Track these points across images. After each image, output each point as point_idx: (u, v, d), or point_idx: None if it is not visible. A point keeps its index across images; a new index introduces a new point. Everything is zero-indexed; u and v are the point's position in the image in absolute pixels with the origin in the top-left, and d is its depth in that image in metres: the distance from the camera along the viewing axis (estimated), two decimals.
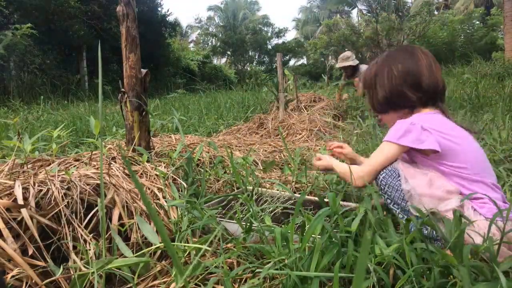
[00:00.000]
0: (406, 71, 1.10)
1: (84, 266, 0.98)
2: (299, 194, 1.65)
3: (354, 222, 0.92)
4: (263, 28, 26.44)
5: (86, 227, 1.14)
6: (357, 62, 4.64)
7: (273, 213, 1.37)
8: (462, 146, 1.01)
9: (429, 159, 1.04)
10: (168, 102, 6.79)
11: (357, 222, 0.92)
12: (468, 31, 14.09)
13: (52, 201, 1.12)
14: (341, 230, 0.93)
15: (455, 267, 0.77)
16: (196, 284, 0.95)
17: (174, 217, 1.28)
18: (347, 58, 4.68)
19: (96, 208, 1.18)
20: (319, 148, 2.71)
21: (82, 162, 1.54)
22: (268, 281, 0.91)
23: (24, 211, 1.03)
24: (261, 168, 2.21)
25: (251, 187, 1.56)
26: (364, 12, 23.29)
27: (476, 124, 2.63)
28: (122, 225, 1.18)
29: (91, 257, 1.02)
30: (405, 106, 1.13)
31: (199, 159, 1.99)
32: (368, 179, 1.10)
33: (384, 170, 1.08)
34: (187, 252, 1.09)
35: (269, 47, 25.53)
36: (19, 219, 1.03)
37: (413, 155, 1.10)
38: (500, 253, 0.84)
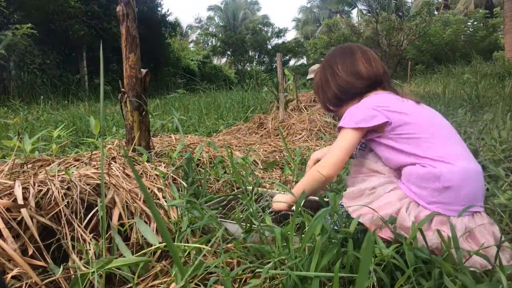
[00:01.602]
0: (346, 68, 1.18)
1: (84, 266, 0.98)
2: None
3: (352, 223, 0.92)
4: (263, 28, 26.45)
5: (86, 227, 1.14)
6: None
7: (273, 213, 1.37)
8: (412, 115, 1.04)
9: (384, 136, 1.06)
10: (168, 102, 6.79)
11: (355, 223, 0.92)
12: (469, 31, 14.08)
13: (52, 201, 1.12)
14: (341, 230, 0.93)
15: (451, 275, 0.77)
16: (196, 284, 0.95)
17: (174, 217, 1.28)
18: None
19: (96, 208, 1.18)
20: (319, 148, 2.71)
21: (82, 162, 1.54)
22: (268, 281, 0.91)
23: (24, 211, 1.03)
24: (261, 168, 2.22)
25: (251, 187, 1.56)
26: (364, 12, 23.30)
27: (476, 124, 2.63)
28: (122, 225, 1.18)
29: (91, 257, 1.02)
30: (355, 95, 1.18)
31: (199, 159, 1.99)
32: (335, 166, 1.07)
33: None
34: (187, 252, 1.09)
35: (269, 47, 25.53)
36: (19, 219, 1.03)
37: (369, 141, 1.12)
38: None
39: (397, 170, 1.07)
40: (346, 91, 1.19)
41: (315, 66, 5.80)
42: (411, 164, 1.00)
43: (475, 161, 1.01)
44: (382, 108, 1.05)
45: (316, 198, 1.38)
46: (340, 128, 1.10)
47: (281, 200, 1.27)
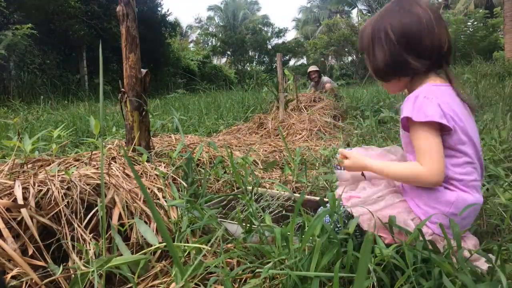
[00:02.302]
0: (405, 33, 0.95)
1: (84, 266, 0.98)
2: (299, 194, 1.65)
3: (352, 223, 0.92)
4: (263, 28, 26.45)
5: (86, 227, 1.14)
6: (319, 69, 6.57)
7: (273, 213, 1.38)
8: (463, 126, 0.93)
9: None
10: (168, 102, 6.79)
11: (354, 224, 0.91)
12: (469, 31, 14.08)
13: (52, 201, 1.12)
14: (341, 231, 0.93)
15: (451, 275, 0.77)
16: (196, 284, 0.95)
17: (174, 217, 1.28)
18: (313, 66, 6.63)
19: (96, 208, 1.18)
20: (319, 148, 2.71)
21: (82, 162, 1.54)
22: (268, 281, 0.91)
23: (24, 211, 1.03)
24: (261, 168, 2.22)
25: (251, 187, 1.56)
26: (364, 12, 23.31)
27: (476, 124, 2.63)
28: (122, 225, 1.18)
29: (91, 257, 1.02)
30: (409, 74, 1.00)
31: (199, 159, 1.99)
32: (442, 172, 0.90)
33: None
34: (187, 252, 1.09)
35: (269, 47, 25.53)
36: (19, 219, 1.03)
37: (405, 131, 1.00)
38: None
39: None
40: (399, 67, 0.98)
41: (313, 67, 6.42)
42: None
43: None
44: (447, 110, 0.90)
45: (316, 198, 1.38)
46: (407, 122, 0.93)
47: (352, 163, 1.05)
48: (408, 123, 0.94)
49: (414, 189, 0.97)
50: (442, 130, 0.91)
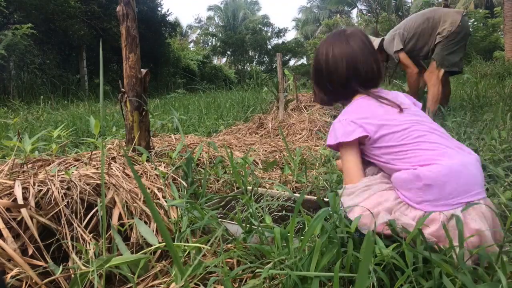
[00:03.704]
0: (341, 58, 1.14)
1: (84, 265, 0.98)
2: (299, 194, 1.65)
3: (353, 223, 0.92)
4: (263, 28, 26.45)
5: (86, 227, 1.14)
6: None
7: (273, 213, 1.38)
8: (390, 125, 1.04)
9: (366, 148, 1.10)
10: (168, 102, 6.79)
11: (356, 223, 0.91)
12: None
13: (52, 201, 1.12)
14: (341, 230, 0.93)
15: (451, 275, 0.77)
16: (196, 284, 0.95)
17: (174, 217, 1.28)
18: None
19: (96, 208, 1.18)
20: (319, 148, 2.71)
21: (82, 162, 1.54)
22: (268, 281, 0.91)
23: (24, 211, 1.03)
24: (261, 168, 2.22)
25: (250, 187, 1.56)
26: (364, 12, 23.31)
27: (476, 124, 2.63)
28: (122, 224, 1.18)
29: (91, 257, 1.02)
30: (347, 93, 1.18)
31: (199, 159, 1.99)
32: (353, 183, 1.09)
33: None
34: (187, 252, 1.09)
35: (269, 47, 25.53)
36: (19, 219, 1.03)
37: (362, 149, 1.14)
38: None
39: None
40: (338, 87, 1.17)
41: None
42: (397, 170, 1.02)
43: (464, 155, 0.99)
44: (361, 120, 1.06)
45: (314, 197, 1.38)
46: (329, 146, 1.15)
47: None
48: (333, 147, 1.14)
49: (393, 181, 1.03)
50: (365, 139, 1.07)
